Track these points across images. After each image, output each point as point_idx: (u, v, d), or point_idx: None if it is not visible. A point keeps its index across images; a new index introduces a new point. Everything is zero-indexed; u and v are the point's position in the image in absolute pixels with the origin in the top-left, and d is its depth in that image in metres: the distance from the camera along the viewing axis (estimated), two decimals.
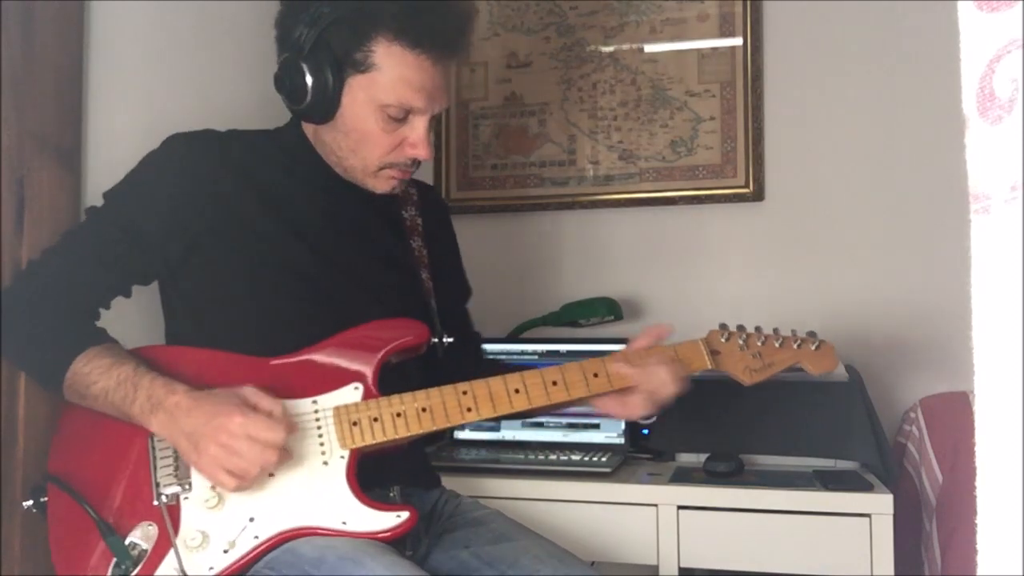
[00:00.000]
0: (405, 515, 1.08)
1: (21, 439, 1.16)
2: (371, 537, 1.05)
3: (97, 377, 1.07)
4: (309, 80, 1.13)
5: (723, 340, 1.24)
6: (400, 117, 1.16)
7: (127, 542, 1.03)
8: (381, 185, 1.22)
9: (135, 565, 1.02)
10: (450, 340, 1.33)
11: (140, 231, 1.15)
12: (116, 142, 1.35)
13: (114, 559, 1.02)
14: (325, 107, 1.16)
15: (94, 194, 1.27)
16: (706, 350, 1.23)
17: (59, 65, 1.24)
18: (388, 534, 1.06)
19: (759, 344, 1.24)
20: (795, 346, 1.24)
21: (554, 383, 1.17)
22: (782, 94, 2.02)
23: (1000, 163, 0.43)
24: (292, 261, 1.19)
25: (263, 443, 1.01)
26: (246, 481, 1.02)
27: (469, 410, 1.14)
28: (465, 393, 1.14)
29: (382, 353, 1.15)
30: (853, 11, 1.98)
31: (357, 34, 1.12)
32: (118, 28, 1.38)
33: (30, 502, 1.09)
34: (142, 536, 1.04)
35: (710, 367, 1.23)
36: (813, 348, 1.24)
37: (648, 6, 2.09)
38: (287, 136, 1.27)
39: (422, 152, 1.18)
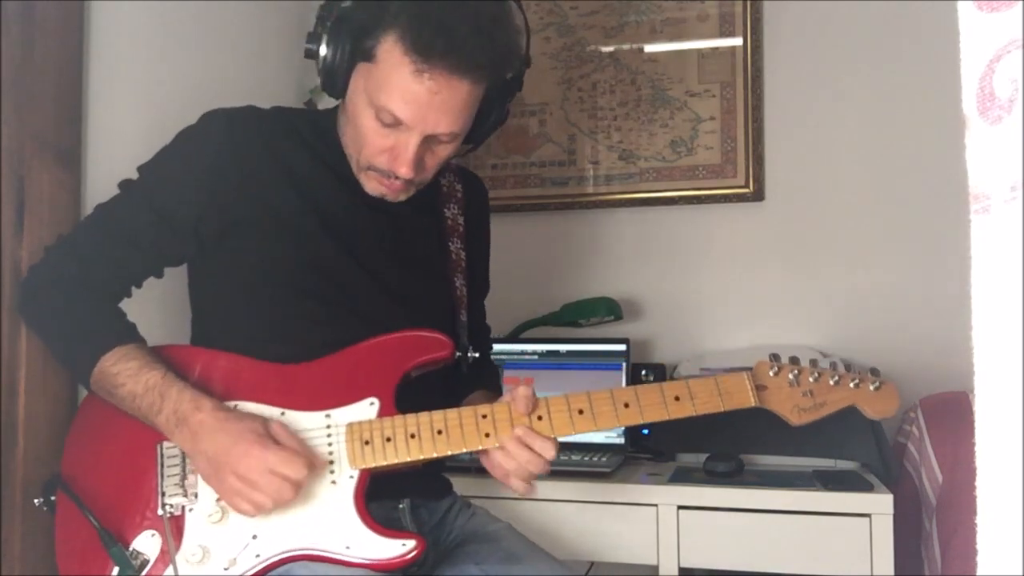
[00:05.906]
0: (411, 544, 1.03)
1: (21, 439, 1.15)
2: (373, 567, 1.02)
3: (125, 380, 1.05)
4: (324, 50, 1.08)
5: (771, 374, 1.13)
6: (390, 123, 1.07)
7: (131, 549, 1.02)
8: (370, 186, 1.15)
9: (137, 574, 1.01)
10: (475, 355, 1.27)
11: (173, 213, 1.12)
12: (116, 142, 1.35)
13: (116, 568, 1.01)
14: (333, 81, 1.10)
15: (94, 194, 1.27)
16: (751, 385, 1.11)
17: (59, 65, 1.24)
18: (391, 564, 1.02)
19: (811, 380, 1.13)
20: (852, 384, 1.12)
21: (580, 412, 1.09)
22: (782, 94, 2.02)
23: (1000, 163, 0.43)
24: (318, 257, 1.15)
25: (282, 478, 0.99)
26: (264, 512, 1.01)
27: (487, 435, 1.08)
28: (485, 417, 1.08)
29: (403, 368, 1.11)
30: (853, 11, 1.98)
31: (372, 20, 1.05)
32: (118, 28, 1.38)
33: (40, 499, 1.09)
34: (146, 545, 1.03)
35: (754, 404, 1.12)
36: (872, 388, 1.12)
37: (648, 6, 2.09)
38: (327, 121, 1.21)
39: (403, 169, 1.09)
